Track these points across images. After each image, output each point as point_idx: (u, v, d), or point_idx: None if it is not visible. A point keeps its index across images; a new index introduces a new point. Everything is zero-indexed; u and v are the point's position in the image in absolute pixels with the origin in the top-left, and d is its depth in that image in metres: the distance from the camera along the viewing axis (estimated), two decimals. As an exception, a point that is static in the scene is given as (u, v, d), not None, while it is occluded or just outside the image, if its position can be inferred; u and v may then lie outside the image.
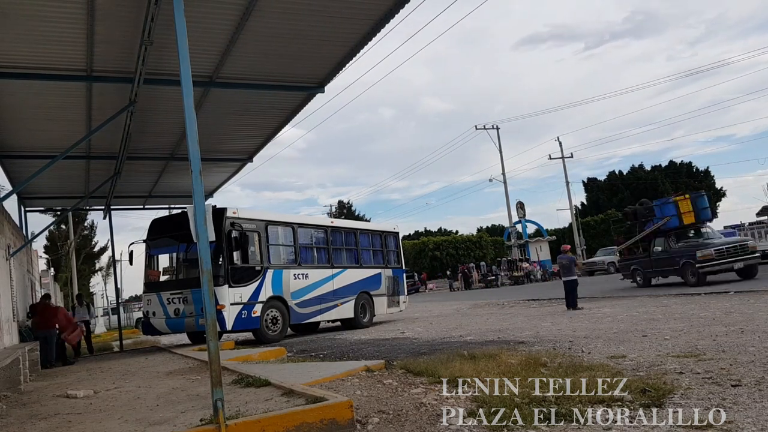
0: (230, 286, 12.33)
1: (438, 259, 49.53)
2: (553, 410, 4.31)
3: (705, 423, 3.80)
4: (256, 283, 12.99)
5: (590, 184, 63.62)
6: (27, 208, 16.85)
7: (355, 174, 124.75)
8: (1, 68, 8.14)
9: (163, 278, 14.61)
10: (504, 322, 12.70)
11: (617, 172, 62.85)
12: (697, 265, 16.23)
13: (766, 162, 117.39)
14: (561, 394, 4.76)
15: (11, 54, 7.86)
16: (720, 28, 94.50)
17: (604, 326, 9.86)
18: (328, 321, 16.26)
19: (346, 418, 4.43)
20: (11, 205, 30.92)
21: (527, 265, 39.96)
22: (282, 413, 4.34)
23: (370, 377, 6.50)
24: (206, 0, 7.04)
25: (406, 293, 18.51)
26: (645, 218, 19.14)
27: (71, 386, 7.72)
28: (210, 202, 16.28)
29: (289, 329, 14.41)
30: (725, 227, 33.22)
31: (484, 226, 65.43)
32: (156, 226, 14.29)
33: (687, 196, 18.39)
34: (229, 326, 12.24)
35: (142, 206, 18.11)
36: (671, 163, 62.41)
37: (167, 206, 19.10)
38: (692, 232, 18.28)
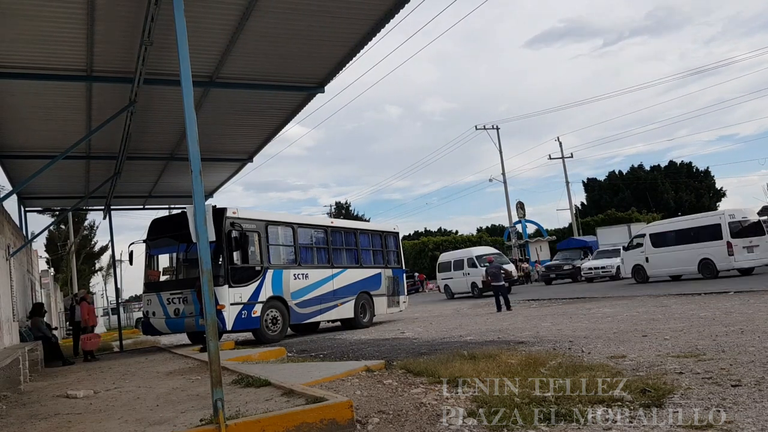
0: (230, 286, 12.33)
1: (438, 259, 49.48)
2: (553, 410, 4.31)
3: (705, 423, 3.80)
4: (256, 283, 12.99)
5: (590, 184, 63.63)
6: (27, 208, 16.86)
7: (359, 174, 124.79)
8: (1, 68, 8.14)
9: (163, 278, 14.62)
10: (504, 322, 12.69)
11: (617, 172, 62.89)
12: None
13: (766, 162, 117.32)
14: (561, 394, 4.76)
15: (11, 54, 7.86)
16: (735, 26, 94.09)
17: (604, 326, 9.86)
18: (328, 321, 16.27)
19: (346, 418, 4.43)
20: (11, 205, 30.95)
21: (526, 265, 39.96)
22: (282, 413, 4.34)
23: (370, 377, 6.50)
24: (206, 0, 7.04)
25: (406, 293, 18.52)
26: None
27: (71, 386, 7.72)
28: (210, 202, 16.29)
29: (289, 329, 14.41)
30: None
31: (485, 226, 65.46)
32: (156, 226, 14.29)
33: None
34: (229, 326, 12.24)
35: (142, 206, 18.10)
36: (671, 163, 62.45)
37: (167, 206, 19.12)
38: None
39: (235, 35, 7.91)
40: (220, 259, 12.35)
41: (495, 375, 5.84)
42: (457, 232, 64.64)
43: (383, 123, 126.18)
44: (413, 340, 10.90)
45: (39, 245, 35.19)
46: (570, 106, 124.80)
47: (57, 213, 22.46)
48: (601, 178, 63.64)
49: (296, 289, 14.06)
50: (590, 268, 27.44)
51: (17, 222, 15.27)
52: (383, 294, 17.01)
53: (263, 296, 13.12)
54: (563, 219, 69.98)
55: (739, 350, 6.28)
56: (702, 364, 5.71)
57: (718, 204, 61.88)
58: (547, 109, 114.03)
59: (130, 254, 14.59)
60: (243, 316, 12.57)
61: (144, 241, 14.38)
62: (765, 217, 29.56)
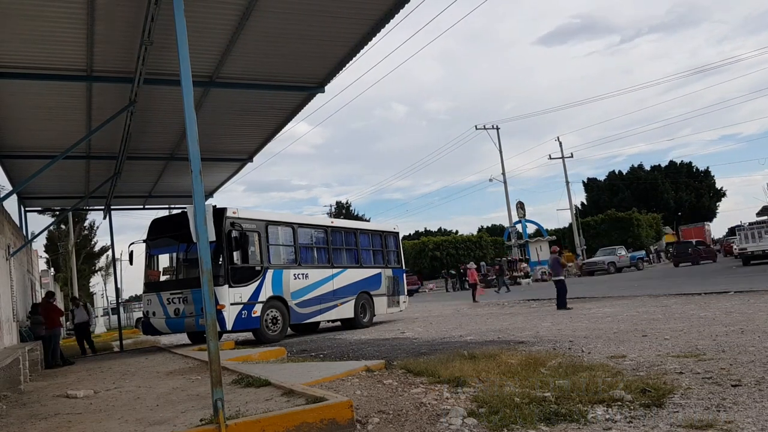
0: (230, 286, 12.32)
1: (438, 259, 49.52)
2: (553, 410, 4.31)
3: (705, 423, 3.80)
4: (256, 283, 12.99)
5: (590, 184, 63.64)
6: (27, 208, 16.86)
7: (362, 173, 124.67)
8: (1, 68, 8.15)
9: (163, 278, 14.61)
10: (504, 322, 12.70)
11: (617, 172, 62.90)
12: None
13: (766, 162, 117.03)
14: (561, 394, 4.76)
15: (11, 54, 7.86)
16: (742, 24, 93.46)
17: (604, 326, 9.86)
18: (328, 321, 16.26)
19: (346, 418, 4.43)
20: (11, 205, 30.95)
21: (525, 265, 39.99)
22: (282, 413, 4.33)
23: (370, 377, 6.50)
24: (206, 0, 7.04)
25: (406, 293, 18.52)
26: None
27: (71, 386, 7.72)
28: (210, 202, 16.29)
29: (289, 329, 14.41)
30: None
31: (485, 226, 65.48)
32: (156, 226, 14.29)
33: None
34: (229, 326, 12.24)
35: (142, 206, 18.10)
36: (671, 163, 62.50)
37: (167, 206, 19.11)
38: None
39: (235, 35, 7.91)
40: (220, 259, 12.34)
41: (495, 375, 5.85)
42: (457, 231, 64.70)
43: (388, 122, 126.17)
44: (413, 340, 10.90)
45: (39, 245, 35.20)
46: (573, 105, 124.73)
47: (57, 213, 22.46)
48: (604, 177, 63.68)
49: (296, 289, 14.06)
50: None
51: (17, 222, 15.27)
52: (383, 294, 17.01)
53: (263, 296, 13.11)
54: (563, 219, 70.09)
55: (739, 350, 6.28)
56: (702, 364, 5.71)
57: (718, 204, 61.92)
58: (550, 108, 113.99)
59: (130, 254, 14.58)
60: (243, 316, 12.57)
61: (144, 241, 14.37)
62: (765, 217, 29.62)
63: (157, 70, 8.53)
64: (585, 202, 62.65)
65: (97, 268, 48.82)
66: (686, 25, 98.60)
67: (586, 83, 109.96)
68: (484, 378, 5.78)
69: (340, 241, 16.07)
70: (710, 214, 61.80)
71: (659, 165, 61.89)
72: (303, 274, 14.33)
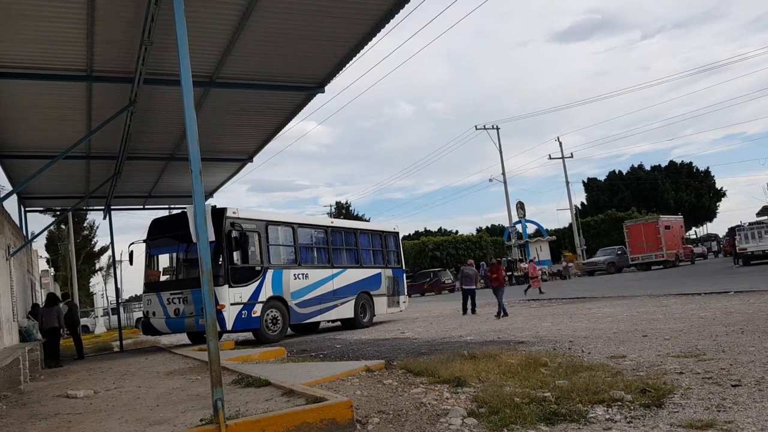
0: (230, 286, 12.32)
1: (438, 259, 49.50)
2: (553, 410, 4.31)
3: (705, 423, 3.80)
4: (256, 283, 12.99)
5: (590, 184, 63.63)
6: (27, 208, 16.86)
7: (365, 172, 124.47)
8: (1, 68, 8.15)
9: (163, 278, 14.61)
10: (504, 322, 12.70)
11: (617, 172, 62.90)
12: None
13: (764, 163, 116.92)
14: (561, 394, 4.76)
15: (11, 54, 7.86)
16: (750, 22, 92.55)
17: (604, 326, 9.86)
18: (328, 321, 16.26)
19: (346, 418, 4.43)
20: (11, 205, 30.93)
21: (525, 265, 39.94)
22: (282, 413, 4.34)
23: (370, 377, 6.50)
24: (206, 0, 7.04)
25: (406, 293, 18.52)
26: None
27: (71, 386, 7.72)
28: (210, 202, 16.30)
29: (289, 329, 14.41)
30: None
31: (485, 226, 65.45)
32: (156, 226, 14.29)
33: None
34: (229, 326, 12.24)
35: (142, 206, 18.11)
36: (671, 163, 62.48)
37: (167, 206, 19.12)
38: None
39: (236, 35, 7.91)
40: (220, 259, 12.35)
41: (495, 375, 5.85)
42: (457, 231, 64.65)
43: (396, 120, 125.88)
44: (413, 340, 10.90)
45: (39, 245, 35.20)
46: (578, 104, 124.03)
47: (57, 213, 22.47)
48: (601, 177, 63.68)
49: (296, 289, 14.06)
50: None
51: (17, 222, 15.27)
52: (383, 294, 17.01)
53: (263, 296, 13.12)
54: (563, 219, 70.06)
55: (739, 350, 6.28)
56: (702, 364, 5.71)
57: (718, 204, 61.92)
58: (554, 107, 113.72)
59: (130, 254, 14.58)
60: (243, 316, 12.57)
61: (144, 241, 14.38)
62: (765, 217, 29.61)
63: (157, 70, 8.53)
64: (585, 202, 62.65)
65: (97, 268, 48.85)
66: (714, 18, 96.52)
67: (591, 82, 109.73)
68: (484, 378, 5.78)
69: (340, 241, 16.07)
70: (710, 214, 61.84)
71: (659, 165, 61.91)
72: (303, 274, 14.33)
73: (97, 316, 34.88)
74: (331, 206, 66.83)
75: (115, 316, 24.99)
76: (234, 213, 12.88)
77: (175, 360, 10.26)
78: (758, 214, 33.45)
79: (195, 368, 8.58)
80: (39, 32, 7.35)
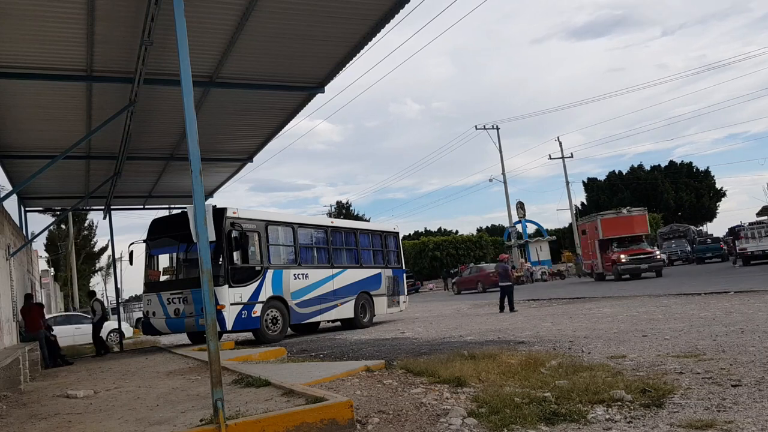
0: (230, 286, 12.32)
1: (438, 259, 49.54)
2: (553, 410, 4.31)
3: (705, 423, 3.80)
4: (256, 283, 12.99)
5: (590, 184, 63.64)
6: (27, 208, 16.86)
7: (369, 171, 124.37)
8: (1, 68, 8.15)
9: (163, 278, 14.61)
10: (504, 322, 12.70)
11: (617, 172, 62.91)
12: None
13: (766, 162, 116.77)
14: (561, 394, 4.76)
15: (11, 54, 7.86)
16: (755, 20, 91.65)
17: (604, 326, 9.86)
18: (328, 321, 16.27)
19: (346, 418, 4.43)
20: (11, 205, 30.94)
21: (528, 265, 40.00)
22: (282, 413, 4.34)
23: (370, 377, 6.50)
24: (206, 0, 7.04)
25: (406, 293, 18.53)
26: None
27: (71, 386, 7.72)
28: (210, 201, 16.29)
29: (289, 329, 14.41)
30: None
31: (485, 226, 65.50)
32: (156, 226, 14.29)
33: None
34: (229, 326, 12.24)
35: (142, 206, 18.11)
36: (671, 163, 62.46)
37: (167, 206, 19.12)
38: None
39: (236, 35, 7.91)
40: (220, 259, 12.35)
41: (495, 375, 5.85)
42: (457, 231, 64.68)
43: (400, 119, 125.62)
44: (413, 340, 10.90)
45: (39, 245, 35.21)
46: (582, 104, 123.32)
47: (57, 213, 22.47)
48: (600, 178, 63.66)
49: (296, 289, 14.06)
50: None
51: (17, 222, 15.27)
52: (383, 294, 17.02)
53: (263, 296, 13.12)
54: (563, 219, 70.12)
55: (739, 350, 6.28)
56: (702, 364, 5.70)
57: (718, 204, 61.92)
58: (559, 106, 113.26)
59: (130, 254, 14.58)
60: (243, 316, 12.57)
61: (144, 241, 14.38)
62: (765, 217, 29.61)
63: (157, 70, 8.53)
64: (585, 202, 62.66)
65: (97, 268, 48.86)
66: (738, 11, 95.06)
67: (601, 80, 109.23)
68: (484, 378, 5.78)
69: (340, 241, 16.07)
70: (710, 214, 61.85)
71: (659, 165, 61.92)
72: (303, 274, 14.34)
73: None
74: (330, 206, 66.88)
75: (115, 316, 24.97)
76: (234, 213, 12.88)
77: (175, 360, 10.26)
78: (758, 214, 33.44)
79: (195, 368, 8.58)
80: (39, 32, 7.35)
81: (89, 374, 9.55)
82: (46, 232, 34.70)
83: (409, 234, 64.68)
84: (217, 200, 28.96)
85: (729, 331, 7.79)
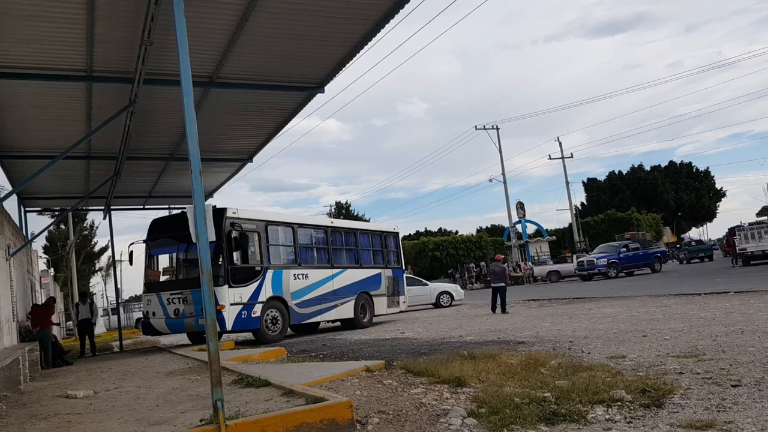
0: (230, 287, 12.32)
1: (438, 259, 49.51)
2: (553, 410, 4.31)
3: (705, 423, 3.80)
4: (256, 284, 12.99)
5: (590, 184, 63.66)
6: (27, 208, 16.86)
7: (372, 171, 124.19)
8: (1, 68, 8.14)
9: (162, 278, 14.61)
10: (504, 322, 12.70)
11: (617, 172, 62.92)
12: None
13: (766, 162, 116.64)
14: (561, 394, 4.76)
15: (11, 54, 7.86)
16: (760, 19, 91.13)
17: (604, 326, 9.86)
18: (328, 321, 16.27)
19: (346, 418, 4.43)
20: (11, 205, 30.87)
21: (530, 264, 39.98)
22: (282, 413, 4.34)
23: (370, 377, 6.50)
24: (206, 0, 7.04)
25: (406, 293, 18.53)
26: None
27: (71, 386, 7.72)
28: (210, 202, 16.29)
29: (289, 329, 14.41)
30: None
31: (485, 226, 65.48)
32: (156, 226, 14.29)
33: None
34: (229, 326, 12.24)
35: (142, 206, 18.10)
36: (671, 163, 62.49)
37: (167, 206, 19.13)
38: None
39: (236, 35, 7.91)
40: (220, 259, 12.35)
41: (495, 375, 5.85)
42: (457, 231, 64.65)
43: (407, 119, 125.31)
44: (413, 340, 10.90)
45: (39, 245, 35.20)
46: (586, 102, 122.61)
47: (57, 213, 22.47)
48: (604, 177, 63.66)
49: (296, 289, 14.06)
50: None
51: (17, 222, 15.26)
52: (383, 294, 17.02)
53: (263, 296, 13.12)
54: (563, 219, 70.07)
55: (739, 350, 6.28)
56: (702, 364, 5.71)
57: (718, 204, 61.95)
58: (563, 105, 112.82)
59: (130, 254, 14.58)
60: (243, 316, 12.57)
61: (144, 241, 14.37)
62: (765, 218, 29.62)
63: (157, 70, 8.52)
64: (585, 203, 62.68)
65: (97, 268, 48.81)
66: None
67: (600, 79, 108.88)
68: (484, 378, 5.78)
69: (340, 241, 16.08)
70: (710, 215, 61.88)
71: (659, 165, 61.97)
72: (303, 275, 14.34)
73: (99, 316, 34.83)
74: (330, 206, 66.80)
75: (115, 316, 24.99)
76: (234, 213, 12.88)
77: (175, 360, 10.25)
78: (758, 214, 33.45)
79: (195, 368, 8.58)
80: (39, 32, 7.34)
81: (89, 374, 9.55)
82: (46, 233, 34.68)
83: (409, 234, 64.67)
84: (218, 200, 29.00)
85: (729, 331, 7.79)
